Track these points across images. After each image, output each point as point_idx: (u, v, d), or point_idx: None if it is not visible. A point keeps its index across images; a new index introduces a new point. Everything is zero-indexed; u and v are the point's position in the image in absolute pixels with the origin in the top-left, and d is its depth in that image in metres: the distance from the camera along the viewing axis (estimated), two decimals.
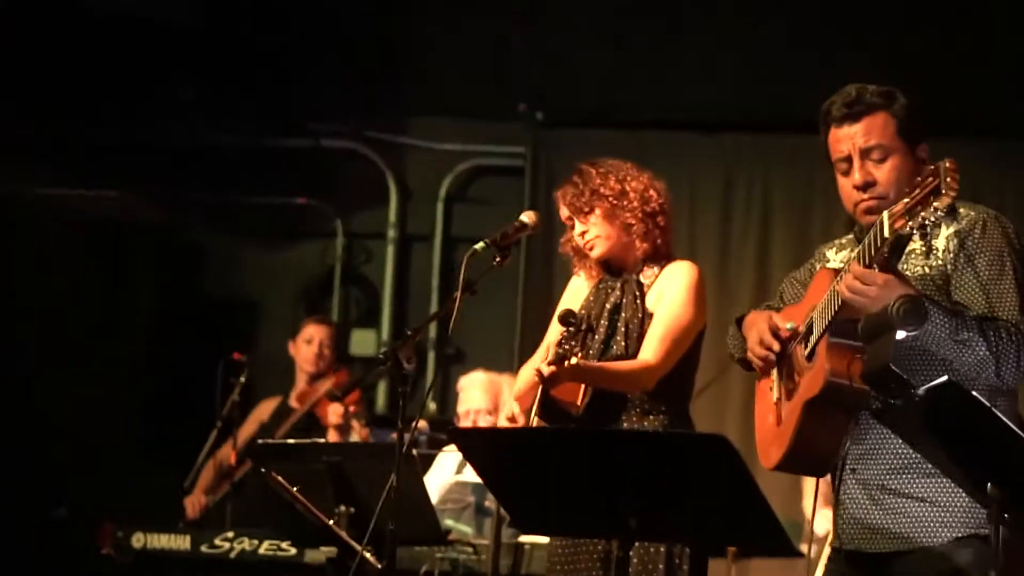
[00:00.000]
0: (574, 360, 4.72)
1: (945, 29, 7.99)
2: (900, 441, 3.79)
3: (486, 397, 6.93)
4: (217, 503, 7.70)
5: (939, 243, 3.86)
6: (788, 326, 3.96)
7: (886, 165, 3.88)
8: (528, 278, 8.76)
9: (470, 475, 6.67)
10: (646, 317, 4.96)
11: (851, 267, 3.70)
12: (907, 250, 3.85)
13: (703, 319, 5.01)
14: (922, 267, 3.86)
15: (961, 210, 3.88)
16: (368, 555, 4.98)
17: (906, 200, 3.52)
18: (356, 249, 9.46)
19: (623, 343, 4.95)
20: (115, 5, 8.37)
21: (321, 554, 5.98)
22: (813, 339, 3.85)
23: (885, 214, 3.59)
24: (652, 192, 5.06)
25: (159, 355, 9.14)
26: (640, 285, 5.03)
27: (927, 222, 3.46)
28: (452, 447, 6.68)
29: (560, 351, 4.75)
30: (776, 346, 3.96)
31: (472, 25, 8.68)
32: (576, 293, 5.18)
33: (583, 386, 4.92)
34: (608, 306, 5.02)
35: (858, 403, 3.77)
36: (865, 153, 3.89)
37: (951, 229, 3.85)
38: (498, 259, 4.75)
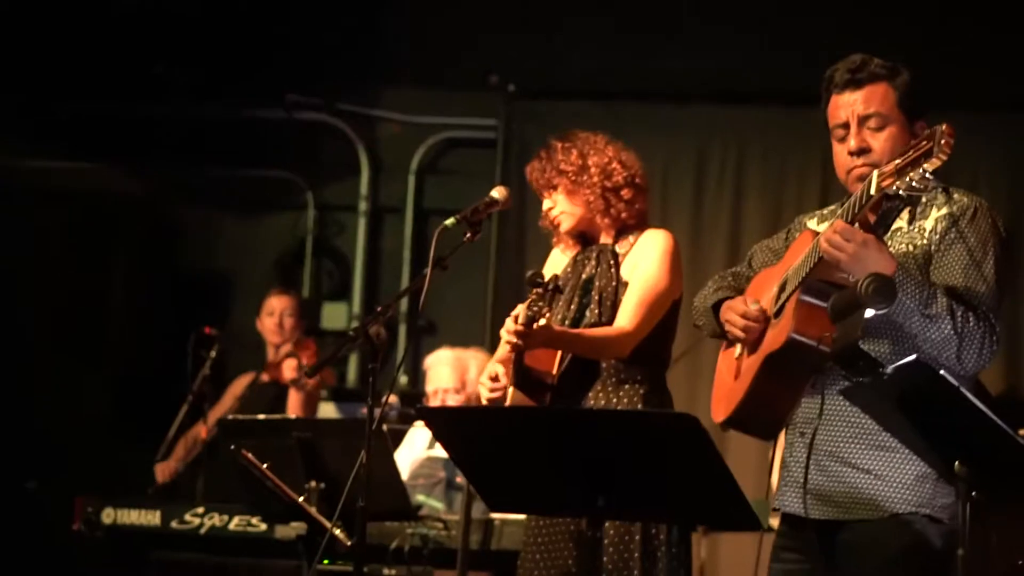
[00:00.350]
0: (543, 321, 4.72)
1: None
2: (854, 410, 3.80)
3: (453, 375, 6.91)
4: (188, 475, 7.69)
5: (928, 223, 3.87)
6: (753, 307, 3.96)
7: (882, 134, 3.90)
8: (500, 250, 8.75)
9: (441, 450, 6.65)
10: (620, 286, 4.96)
11: (834, 223, 3.71)
12: (892, 228, 3.89)
13: (678, 288, 4.99)
14: (906, 245, 3.87)
15: (955, 195, 3.90)
16: (338, 532, 4.98)
17: (897, 161, 3.56)
18: (328, 221, 9.43)
19: (597, 311, 4.94)
20: None
21: (291, 530, 5.98)
22: (784, 296, 3.86)
23: (875, 172, 3.63)
24: (616, 165, 5.03)
25: (130, 328, 9.11)
26: (615, 255, 5.02)
27: (915, 184, 3.47)
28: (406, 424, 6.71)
29: (529, 313, 4.73)
30: (760, 317, 3.95)
31: None
32: (555, 264, 5.18)
33: (559, 354, 4.92)
34: (584, 276, 5.02)
35: (818, 364, 3.76)
36: (863, 120, 3.91)
37: (943, 211, 3.86)
38: (468, 235, 4.74)
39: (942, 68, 7.97)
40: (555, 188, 5.05)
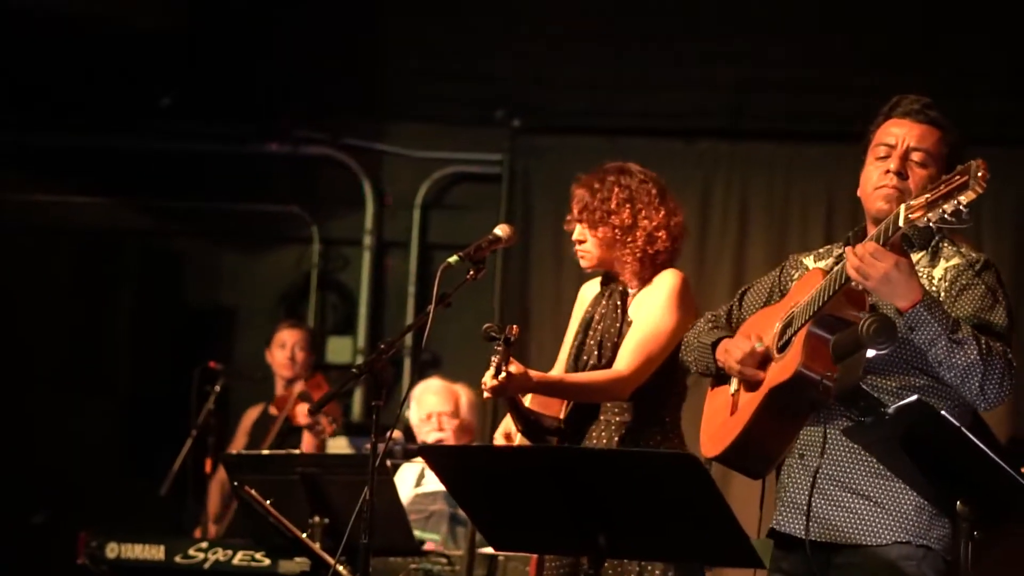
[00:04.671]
0: (513, 369, 4.67)
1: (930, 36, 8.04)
2: None
3: (448, 400, 6.89)
4: (197, 510, 7.68)
5: (936, 272, 3.93)
6: (759, 345, 3.96)
7: (923, 171, 3.96)
8: (504, 284, 8.75)
9: (430, 485, 6.65)
10: (624, 326, 4.91)
11: (865, 243, 3.74)
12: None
13: (688, 325, 4.90)
14: (924, 281, 3.89)
15: (963, 248, 3.96)
16: (341, 567, 4.98)
17: (927, 195, 3.61)
18: (332, 256, 9.44)
19: (596, 352, 4.92)
20: (93, 11, 8.37)
21: (296, 565, 5.96)
22: (791, 332, 3.87)
23: (902, 207, 3.67)
24: (662, 233, 4.93)
25: (134, 362, 9.12)
26: (625, 295, 4.99)
27: (948, 216, 3.51)
28: (410, 460, 6.68)
29: (494, 366, 4.70)
30: (763, 355, 3.96)
31: (450, 31, 8.68)
32: (584, 302, 5.16)
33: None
34: (596, 316, 5.01)
35: (818, 401, 3.79)
36: (912, 151, 3.97)
37: (952, 261, 3.94)
38: (472, 273, 4.73)
39: (968, 102, 8.03)
40: (593, 227, 4.96)
